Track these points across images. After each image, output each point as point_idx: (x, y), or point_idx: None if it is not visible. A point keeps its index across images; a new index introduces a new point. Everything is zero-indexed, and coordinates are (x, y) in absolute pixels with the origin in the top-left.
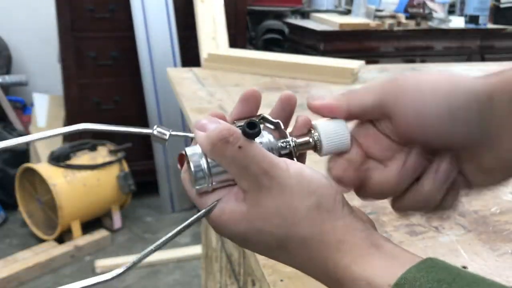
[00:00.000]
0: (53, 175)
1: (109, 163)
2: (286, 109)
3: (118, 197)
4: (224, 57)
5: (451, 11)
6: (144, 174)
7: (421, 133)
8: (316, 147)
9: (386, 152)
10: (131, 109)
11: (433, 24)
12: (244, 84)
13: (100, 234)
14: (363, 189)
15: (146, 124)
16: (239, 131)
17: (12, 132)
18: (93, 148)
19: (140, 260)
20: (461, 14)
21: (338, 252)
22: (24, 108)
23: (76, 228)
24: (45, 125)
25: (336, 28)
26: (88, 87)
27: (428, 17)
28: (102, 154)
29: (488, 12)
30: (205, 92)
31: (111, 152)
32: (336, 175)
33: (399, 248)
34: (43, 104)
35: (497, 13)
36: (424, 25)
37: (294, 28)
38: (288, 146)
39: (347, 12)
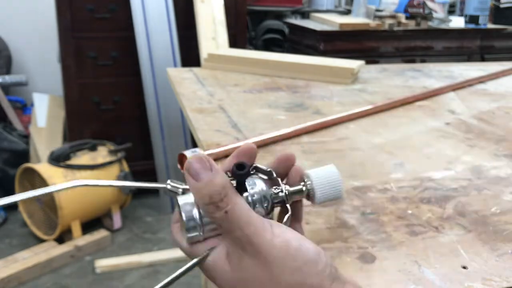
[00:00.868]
0: (53, 175)
1: (109, 163)
2: (282, 167)
3: (118, 197)
4: (224, 57)
5: (451, 11)
6: (144, 174)
7: None
8: (309, 196)
9: None
10: (131, 109)
11: (433, 24)
12: (244, 84)
13: (100, 234)
14: None
15: (146, 124)
16: (230, 193)
17: (12, 132)
18: (93, 148)
19: None
20: (461, 14)
21: None
22: (24, 108)
23: (76, 228)
24: (45, 125)
25: (336, 28)
26: (88, 87)
27: (428, 17)
28: (102, 154)
29: (488, 12)
30: (205, 92)
31: (111, 152)
32: None
33: None
34: (43, 104)
35: (497, 13)
36: (424, 25)
37: (294, 28)
38: (280, 194)
39: (347, 12)
